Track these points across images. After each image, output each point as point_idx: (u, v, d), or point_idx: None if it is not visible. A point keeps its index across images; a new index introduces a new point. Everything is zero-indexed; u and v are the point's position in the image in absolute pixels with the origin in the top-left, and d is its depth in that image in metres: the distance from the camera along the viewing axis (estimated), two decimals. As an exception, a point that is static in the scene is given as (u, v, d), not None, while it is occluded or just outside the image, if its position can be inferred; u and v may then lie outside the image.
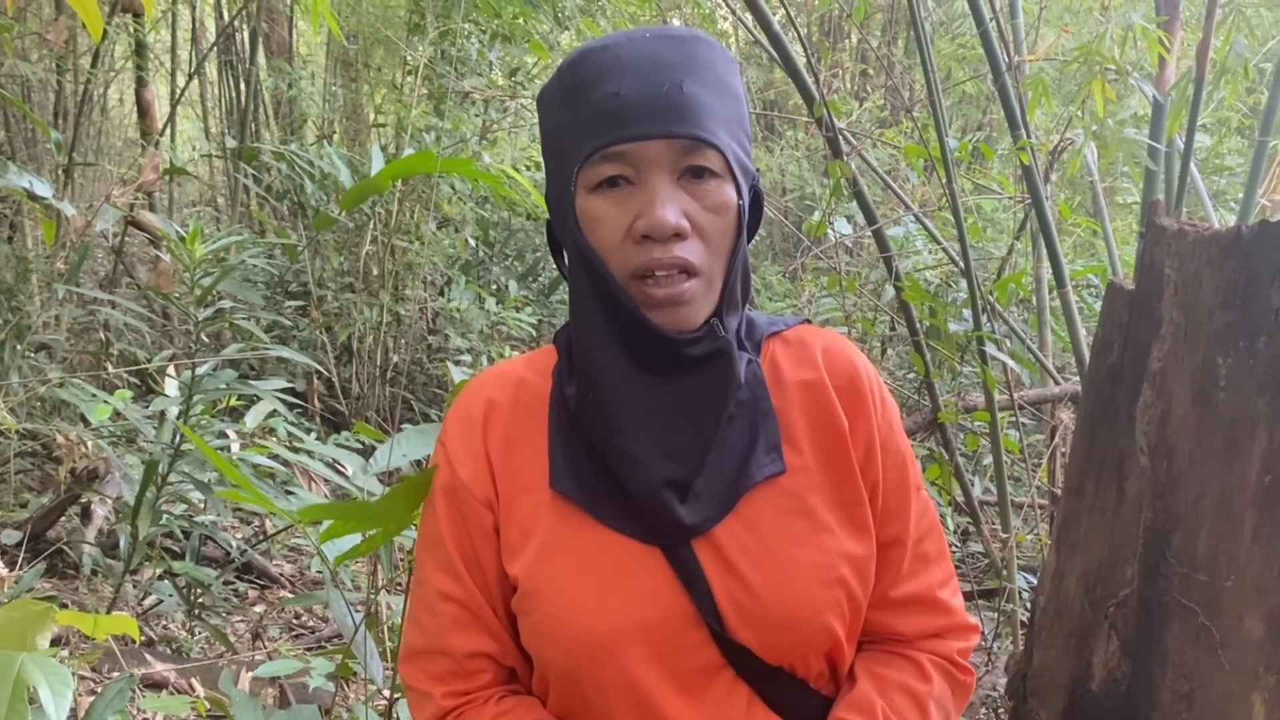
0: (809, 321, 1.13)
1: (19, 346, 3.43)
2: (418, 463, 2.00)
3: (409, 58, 5.18)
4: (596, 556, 0.99)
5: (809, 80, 2.67)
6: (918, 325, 2.82)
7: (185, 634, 3.08)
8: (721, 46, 1.01)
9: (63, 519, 3.32)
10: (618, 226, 0.94)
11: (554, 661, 1.00)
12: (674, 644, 0.98)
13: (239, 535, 3.73)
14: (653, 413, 0.98)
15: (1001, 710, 2.83)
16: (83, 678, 2.55)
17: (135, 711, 2.41)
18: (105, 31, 4.51)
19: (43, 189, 2.79)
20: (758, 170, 1.04)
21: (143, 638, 2.91)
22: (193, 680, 2.60)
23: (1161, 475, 1.27)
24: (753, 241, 1.05)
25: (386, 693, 1.68)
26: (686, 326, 0.96)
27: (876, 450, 1.05)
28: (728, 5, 4.01)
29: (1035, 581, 2.22)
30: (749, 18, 2.91)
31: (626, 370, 0.97)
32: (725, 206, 0.96)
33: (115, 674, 2.53)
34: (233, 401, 3.20)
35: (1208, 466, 1.23)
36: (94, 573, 3.11)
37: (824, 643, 1.01)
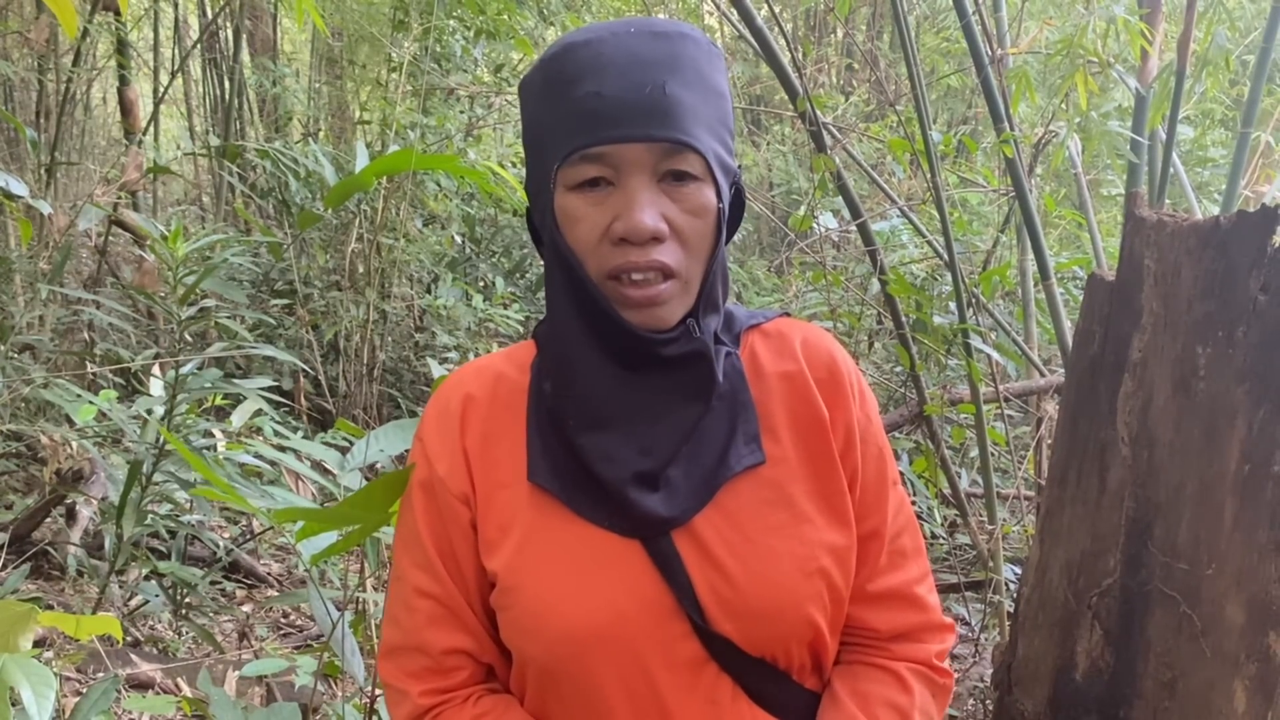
0: (788, 314, 1.13)
1: (2, 347, 3.40)
2: (400, 458, 1.99)
3: (394, 54, 5.16)
4: (575, 550, 0.98)
5: (792, 75, 2.67)
6: (903, 319, 2.82)
7: (172, 634, 3.07)
8: (707, 41, 1.00)
9: (48, 520, 3.30)
10: (595, 226, 0.94)
11: (534, 656, 1.00)
12: (655, 636, 0.97)
13: (226, 535, 3.72)
14: (628, 410, 0.98)
15: (988, 701, 2.83)
16: (68, 678, 2.53)
17: (120, 712, 2.40)
18: (86, 30, 4.47)
19: (18, 188, 2.76)
20: (740, 167, 1.04)
21: (129, 638, 2.90)
22: (179, 680, 2.59)
23: (1143, 465, 1.28)
24: (738, 237, 1.04)
25: (369, 690, 1.67)
26: (661, 326, 0.96)
27: (856, 440, 1.05)
28: (712, 0, 4.01)
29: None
30: (734, 13, 2.90)
31: (601, 367, 0.97)
32: (704, 210, 0.95)
33: (100, 675, 2.52)
34: (219, 401, 3.19)
35: (1188, 456, 1.24)
36: (79, 574, 3.10)
37: (806, 633, 1.01)
